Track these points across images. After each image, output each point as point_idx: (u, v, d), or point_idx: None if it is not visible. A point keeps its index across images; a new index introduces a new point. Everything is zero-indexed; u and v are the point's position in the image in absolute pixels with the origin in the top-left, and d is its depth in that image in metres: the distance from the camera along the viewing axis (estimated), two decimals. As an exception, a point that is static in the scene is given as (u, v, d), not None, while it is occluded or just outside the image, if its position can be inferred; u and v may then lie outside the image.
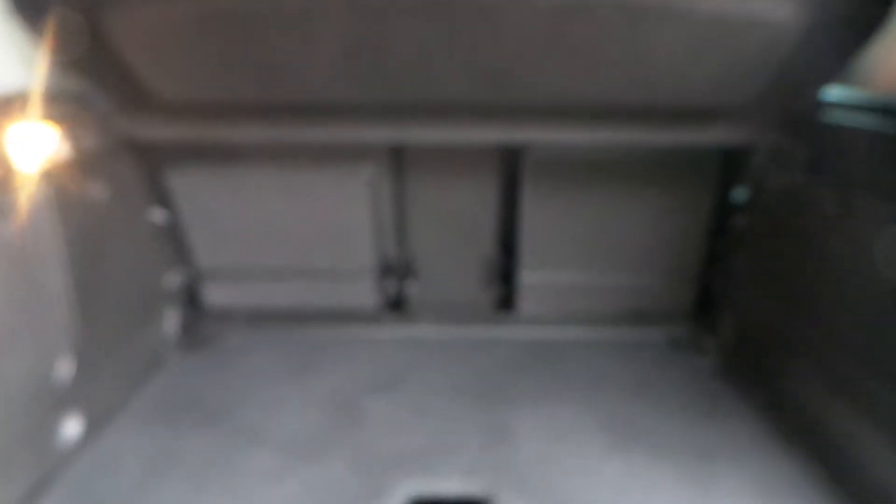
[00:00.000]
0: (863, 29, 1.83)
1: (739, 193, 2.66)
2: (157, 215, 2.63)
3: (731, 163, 2.62)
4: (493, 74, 2.08)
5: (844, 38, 1.87)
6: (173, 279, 2.74)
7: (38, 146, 1.89)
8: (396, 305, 3.03)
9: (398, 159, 2.67)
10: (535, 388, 2.44)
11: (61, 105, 2.02)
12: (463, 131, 2.32)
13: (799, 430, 2.10)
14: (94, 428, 2.11)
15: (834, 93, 2.09)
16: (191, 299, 2.89)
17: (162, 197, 2.63)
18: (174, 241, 2.73)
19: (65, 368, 1.97)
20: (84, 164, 2.09)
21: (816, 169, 2.07)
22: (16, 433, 1.77)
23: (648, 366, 2.62)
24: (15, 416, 1.77)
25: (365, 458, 2.04)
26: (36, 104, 1.89)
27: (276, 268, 2.86)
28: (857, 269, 1.89)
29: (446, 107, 2.24)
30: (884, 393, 1.77)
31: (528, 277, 2.89)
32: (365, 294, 2.93)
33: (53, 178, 1.94)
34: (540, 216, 2.75)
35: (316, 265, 2.86)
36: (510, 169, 2.71)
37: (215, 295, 2.92)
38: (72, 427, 2.01)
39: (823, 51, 1.91)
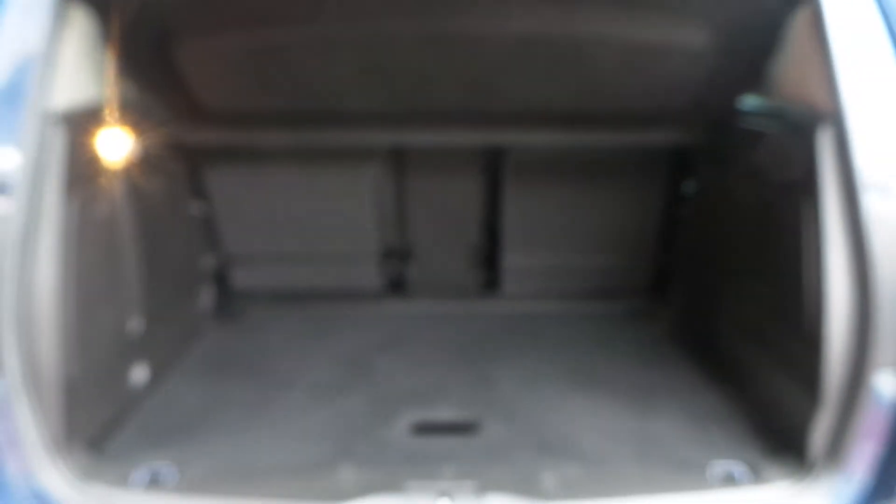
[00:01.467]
0: (761, 49, 2.31)
1: (688, 187, 3.19)
2: (196, 207, 3.12)
3: (679, 162, 3.15)
4: (479, 86, 2.61)
5: (749, 57, 2.38)
6: (208, 262, 3.23)
7: (118, 147, 2.38)
8: (397, 286, 3.52)
9: (399, 159, 3.18)
10: (513, 349, 2.94)
11: (131, 114, 2.50)
12: (455, 134, 2.85)
13: (723, 373, 2.59)
14: (157, 377, 2.57)
15: (750, 102, 2.62)
16: (222, 280, 3.38)
17: (200, 192, 3.12)
18: (209, 230, 3.23)
19: (136, 324, 2.45)
20: (147, 162, 2.58)
21: (734, 164, 2.60)
22: (102, 372, 2.24)
23: (610, 331, 3.13)
24: (99, 362, 2.22)
25: (376, 397, 2.52)
26: (115, 113, 2.38)
27: (293, 253, 3.35)
28: (767, 240, 2.39)
29: (441, 114, 2.77)
30: (787, 339, 2.19)
31: (510, 261, 3.38)
32: (370, 276, 3.42)
33: (127, 172, 2.42)
34: (519, 207, 3.25)
35: (327, 250, 3.34)
36: (494, 167, 3.23)
37: (242, 277, 3.40)
38: (141, 373, 2.48)
39: (733, 68, 2.44)
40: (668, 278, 3.35)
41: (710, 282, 2.88)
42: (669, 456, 2.12)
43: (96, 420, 2.17)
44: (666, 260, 3.34)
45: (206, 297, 3.20)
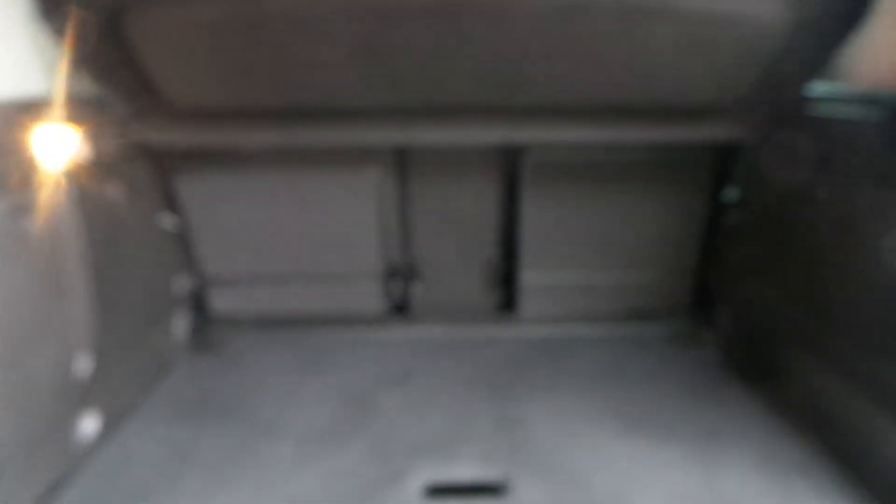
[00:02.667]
0: (845, 25, 1.95)
1: (732, 191, 2.77)
2: (167, 220, 2.68)
3: (723, 162, 2.73)
4: (498, 75, 2.18)
5: (828, 35, 2.00)
6: (182, 285, 2.78)
7: (61, 147, 1.95)
8: (401, 309, 3.08)
9: (402, 164, 2.75)
10: (541, 382, 2.50)
11: (82, 109, 2.08)
12: (467, 132, 2.42)
13: (801, 412, 2.16)
14: (110, 425, 2.13)
15: (820, 88, 2.21)
16: (198, 305, 2.93)
17: (171, 202, 2.68)
18: (183, 247, 2.78)
19: (84, 364, 2.00)
20: (102, 166, 2.14)
21: (807, 160, 2.18)
22: (36, 428, 1.79)
23: (650, 359, 2.69)
24: (36, 411, 1.79)
25: (381, 447, 2.08)
26: (59, 107, 1.95)
27: (281, 273, 2.91)
28: (849, 251, 1.98)
29: (451, 108, 2.33)
30: (885, 372, 1.83)
31: (529, 278, 2.96)
32: (370, 297, 2.98)
33: (74, 177, 1.99)
34: (539, 218, 2.83)
35: (321, 270, 2.91)
36: (510, 172, 2.80)
37: (222, 300, 2.96)
38: (90, 424, 2.03)
39: (809, 47, 2.03)
40: (711, 296, 2.92)
41: (768, 301, 2.45)
42: None
43: (31, 489, 1.76)
44: (710, 275, 2.91)
45: (178, 326, 2.75)
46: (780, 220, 2.39)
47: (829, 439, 2.02)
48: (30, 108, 1.87)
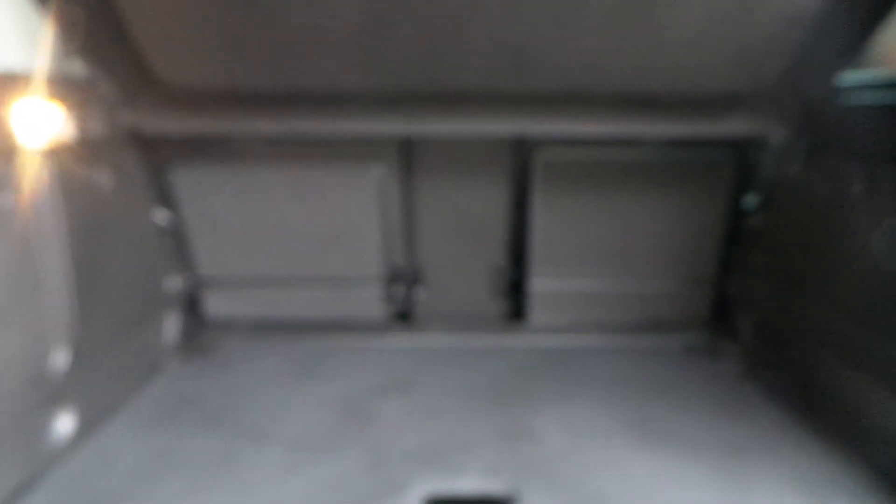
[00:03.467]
0: (881, 7, 1.82)
1: (752, 197, 2.62)
2: (160, 216, 2.55)
3: (745, 163, 2.58)
4: (510, 57, 2.04)
5: (862, 18, 1.86)
6: (174, 284, 2.64)
7: (43, 124, 1.83)
8: (404, 315, 2.93)
9: (407, 161, 2.63)
10: (551, 391, 2.33)
11: (69, 88, 1.97)
12: (477, 124, 2.28)
13: (834, 424, 1.99)
14: (88, 426, 1.98)
15: (851, 77, 2.07)
16: (191, 307, 2.78)
17: (165, 197, 2.56)
18: (176, 244, 2.65)
19: (60, 359, 1.86)
20: (88, 150, 2.03)
21: (839, 151, 2.03)
22: (3, 423, 1.65)
23: (667, 371, 2.52)
24: (3, 404, 1.65)
25: (378, 457, 1.91)
26: (43, 83, 1.84)
27: (279, 276, 2.77)
28: (890, 249, 1.82)
29: (461, 96, 2.21)
30: None
31: (539, 285, 2.80)
32: (372, 303, 2.83)
33: (57, 158, 1.87)
34: (551, 221, 2.69)
35: (321, 273, 2.77)
36: (520, 172, 2.67)
37: (216, 303, 2.82)
38: (65, 423, 1.88)
39: (842, 31, 1.90)
40: (732, 306, 2.74)
41: (795, 307, 2.29)
42: None
43: (2, 481, 1.64)
44: (730, 283, 2.74)
45: (169, 328, 2.60)
46: (809, 222, 2.23)
47: (867, 451, 1.85)
48: (11, 81, 1.76)
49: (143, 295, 2.44)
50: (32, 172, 1.77)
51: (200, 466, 1.86)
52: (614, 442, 1.99)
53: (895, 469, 1.75)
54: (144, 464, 1.87)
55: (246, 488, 1.76)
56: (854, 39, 1.94)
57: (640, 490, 1.76)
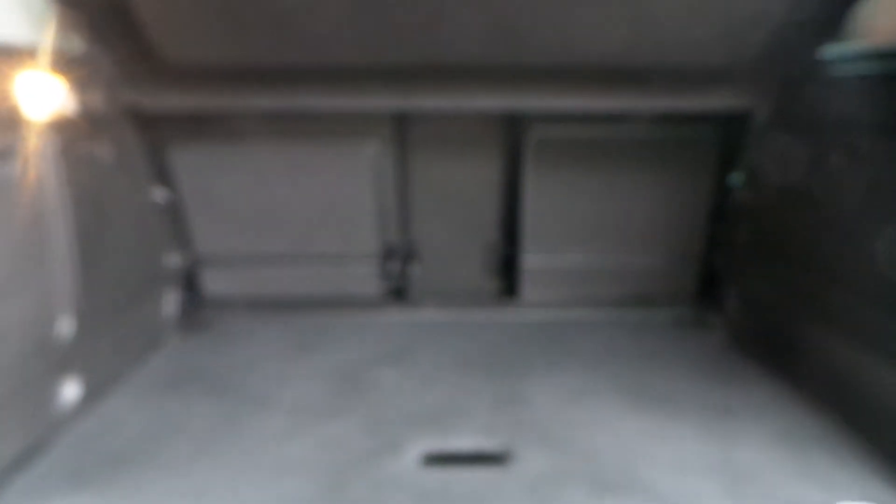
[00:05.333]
0: None
1: (737, 173, 2.69)
2: (159, 194, 2.59)
3: (728, 140, 2.65)
4: (504, 31, 2.09)
5: None
6: (173, 261, 2.68)
7: (46, 97, 1.87)
8: (399, 291, 2.98)
9: (401, 138, 2.67)
10: (543, 360, 2.40)
11: (70, 63, 2.00)
12: (470, 98, 2.34)
13: (817, 386, 2.06)
14: (94, 394, 2.02)
15: (832, 49, 2.13)
16: (189, 284, 2.83)
17: (164, 175, 2.59)
18: (174, 222, 2.69)
19: (65, 327, 1.90)
20: (89, 125, 2.06)
21: (820, 124, 2.10)
22: (12, 387, 1.69)
23: (656, 342, 2.59)
24: (11, 369, 1.69)
25: (377, 420, 1.97)
26: (45, 57, 1.88)
27: (275, 253, 2.81)
28: (874, 216, 1.88)
29: (454, 70, 2.26)
30: None
31: (531, 262, 2.86)
32: (367, 279, 2.88)
33: (59, 131, 1.90)
34: (542, 198, 2.75)
35: (317, 250, 2.81)
36: (513, 149, 2.72)
37: (214, 280, 2.86)
38: (70, 390, 1.92)
39: (821, 5, 1.96)
40: (717, 279, 2.82)
41: (779, 278, 2.36)
42: (773, 495, 1.57)
43: (9, 445, 1.67)
44: (716, 258, 2.81)
45: (168, 304, 2.64)
46: (792, 195, 2.30)
47: (848, 411, 1.93)
48: (13, 55, 1.79)
49: (143, 270, 2.49)
50: (36, 144, 1.81)
51: (205, 430, 1.91)
52: (605, 405, 2.06)
53: (876, 428, 1.82)
54: (150, 428, 1.92)
55: (250, 448, 1.82)
56: (835, 12, 2.01)
57: (629, 447, 1.83)
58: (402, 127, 2.64)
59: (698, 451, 1.81)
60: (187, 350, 2.49)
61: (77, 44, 2.08)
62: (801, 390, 2.11)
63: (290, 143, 2.61)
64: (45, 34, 1.91)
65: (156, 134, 2.49)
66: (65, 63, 1.98)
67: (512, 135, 2.69)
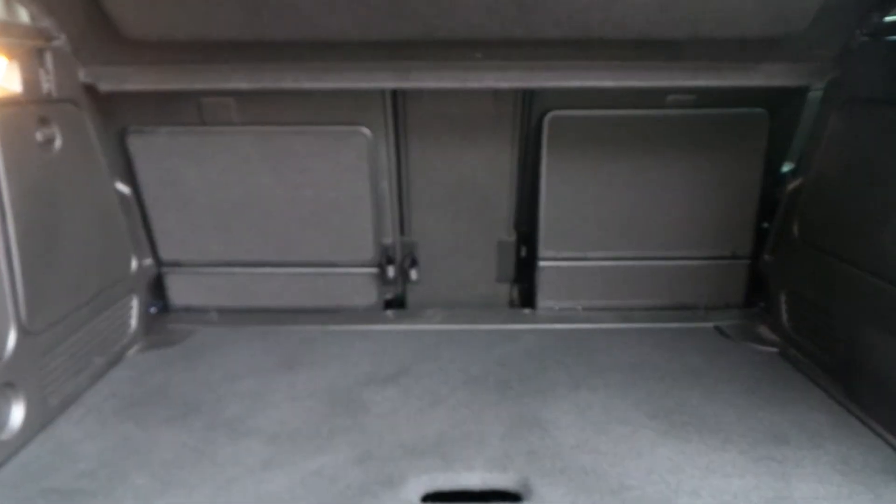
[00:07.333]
0: None
1: (789, 158, 2.46)
2: (118, 188, 2.32)
3: (779, 120, 2.40)
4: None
5: None
6: (134, 265, 2.40)
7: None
8: (397, 299, 2.74)
9: (399, 124, 2.43)
10: (565, 378, 2.12)
11: (12, 35, 1.74)
12: (476, 74, 2.08)
13: (881, 407, 1.80)
14: (40, 418, 1.77)
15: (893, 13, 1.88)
16: (154, 290, 2.58)
17: (124, 165, 2.35)
18: (137, 219, 2.43)
19: (7, 341, 1.64)
20: (38, 106, 1.81)
21: (885, 99, 1.82)
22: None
23: (695, 354, 2.30)
24: None
25: (371, 449, 1.70)
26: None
27: (253, 258, 2.59)
28: None
29: (457, 44, 2.00)
30: None
31: (550, 263, 2.62)
32: (360, 287, 2.65)
33: (2, 112, 1.65)
34: (562, 189, 2.52)
35: (302, 253, 2.59)
36: (527, 133, 2.48)
37: (182, 287, 2.63)
38: (15, 412, 1.69)
39: None
40: (768, 284, 2.55)
41: (840, 279, 2.07)
42: None
43: None
44: (765, 257, 2.55)
45: (129, 313, 2.37)
46: (854, 181, 2.02)
47: None
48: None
49: (100, 274, 2.20)
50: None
51: (170, 461, 1.66)
52: (637, 432, 1.79)
53: None
54: (108, 458, 1.68)
55: (222, 483, 1.56)
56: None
57: (667, 481, 1.56)
58: (399, 109, 2.39)
59: (747, 486, 1.55)
60: (151, 366, 2.22)
61: (23, 14, 1.83)
62: (864, 413, 1.85)
63: (271, 129, 2.37)
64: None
65: (114, 117, 2.26)
66: (10, 36, 1.72)
67: (525, 115, 2.45)
